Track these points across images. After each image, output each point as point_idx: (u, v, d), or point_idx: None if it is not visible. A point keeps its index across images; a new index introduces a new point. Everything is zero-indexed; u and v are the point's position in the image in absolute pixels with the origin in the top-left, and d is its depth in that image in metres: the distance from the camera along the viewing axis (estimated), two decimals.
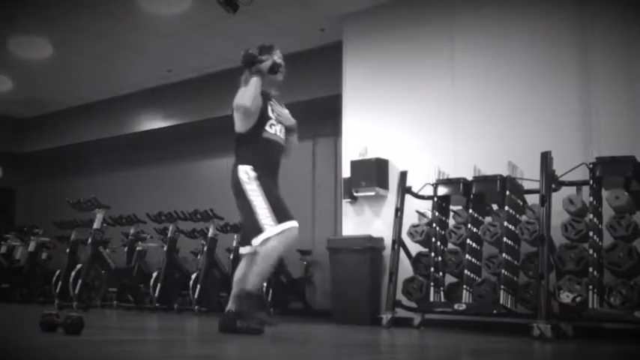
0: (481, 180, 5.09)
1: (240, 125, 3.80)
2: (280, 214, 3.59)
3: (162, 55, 8.03)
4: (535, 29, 5.52)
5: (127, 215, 7.99)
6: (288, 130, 3.94)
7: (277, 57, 3.88)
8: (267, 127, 3.80)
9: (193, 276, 6.92)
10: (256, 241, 3.58)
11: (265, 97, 3.83)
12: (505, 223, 4.76)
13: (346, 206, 6.36)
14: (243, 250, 3.89)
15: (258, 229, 3.57)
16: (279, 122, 3.88)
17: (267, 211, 3.58)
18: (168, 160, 9.97)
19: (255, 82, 3.71)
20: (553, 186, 4.61)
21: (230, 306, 3.77)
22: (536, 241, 4.50)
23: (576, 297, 4.27)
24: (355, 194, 6.19)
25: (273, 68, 3.81)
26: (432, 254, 5.12)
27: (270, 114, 3.84)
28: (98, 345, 2.95)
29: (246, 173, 3.70)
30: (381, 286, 5.70)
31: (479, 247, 4.95)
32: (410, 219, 5.42)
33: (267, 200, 3.61)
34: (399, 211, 5.38)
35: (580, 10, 5.29)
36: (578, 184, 4.66)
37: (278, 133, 3.86)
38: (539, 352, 3.52)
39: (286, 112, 3.97)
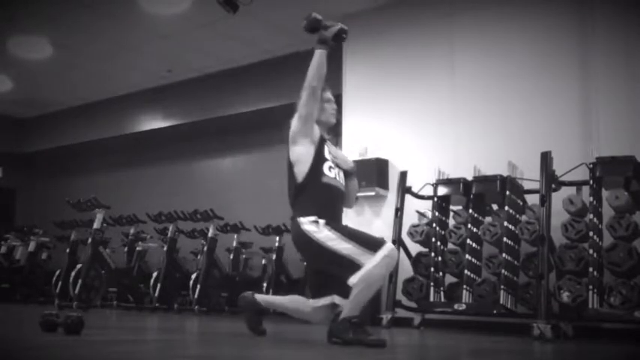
0: (481, 180, 5.09)
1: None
2: (370, 243, 3.21)
3: (162, 55, 8.03)
4: (535, 29, 5.52)
5: (127, 215, 7.99)
6: (346, 174, 3.55)
7: (330, 112, 3.54)
8: (325, 171, 3.40)
9: (193, 276, 6.92)
10: (355, 278, 3.15)
11: (320, 138, 3.47)
12: (505, 223, 4.76)
13: None
14: (317, 302, 3.46)
15: (353, 268, 3.14)
16: (337, 165, 3.49)
17: (354, 247, 3.18)
18: (168, 160, 9.98)
19: (320, 54, 3.32)
20: (553, 186, 4.61)
21: (345, 314, 3.27)
22: (536, 241, 4.50)
23: (576, 297, 4.27)
24: (356, 194, 6.18)
25: (340, 35, 3.37)
26: (432, 254, 5.12)
27: (327, 155, 3.45)
28: (98, 345, 2.95)
29: (313, 223, 3.28)
30: (381, 286, 5.70)
31: (479, 247, 4.95)
32: (410, 219, 5.42)
33: (349, 238, 3.22)
34: (399, 211, 5.38)
35: (580, 10, 5.29)
36: (578, 184, 4.66)
37: (337, 178, 3.45)
38: (539, 352, 3.52)
39: (342, 154, 3.63)
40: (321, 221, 3.28)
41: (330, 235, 3.23)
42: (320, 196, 3.37)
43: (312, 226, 3.28)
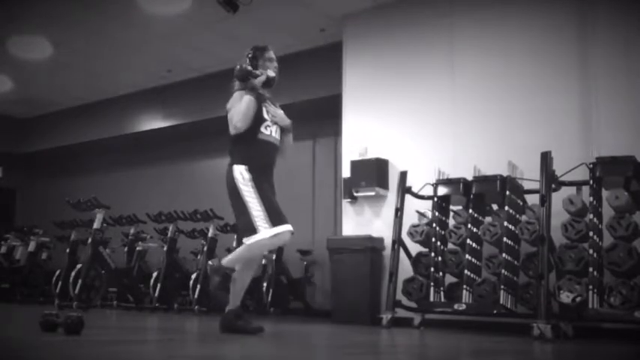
0: (481, 180, 5.09)
1: (233, 130, 3.81)
2: (275, 217, 3.62)
3: (162, 55, 8.03)
4: (535, 29, 5.52)
5: (127, 215, 7.99)
6: (283, 130, 3.95)
7: (271, 68, 3.92)
8: (262, 129, 3.82)
9: (193, 276, 6.92)
10: (248, 240, 3.62)
11: (260, 98, 3.84)
12: (505, 223, 4.76)
13: (346, 206, 6.36)
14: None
15: (251, 230, 3.60)
16: (275, 123, 3.89)
17: (261, 212, 3.61)
18: (168, 160, 9.98)
19: (248, 101, 3.74)
20: (553, 186, 4.61)
21: (230, 306, 3.79)
22: (536, 241, 4.50)
23: (576, 297, 4.27)
24: (355, 194, 6.19)
25: (269, 82, 3.85)
26: (432, 254, 5.12)
27: (265, 115, 3.85)
28: (98, 345, 2.95)
29: (241, 174, 3.71)
30: (381, 286, 5.70)
31: (479, 247, 4.95)
32: (410, 219, 5.42)
33: (262, 202, 3.64)
34: (399, 211, 5.38)
35: (580, 9, 5.29)
36: (578, 184, 4.66)
37: (273, 134, 3.88)
38: (539, 352, 3.52)
39: (281, 112, 3.97)
40: (248, 175, 3.69)
41: (251, 191, 3.66)
42: (255, 150, 3.79)
43: (240, 176, 3.71)
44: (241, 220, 3.69)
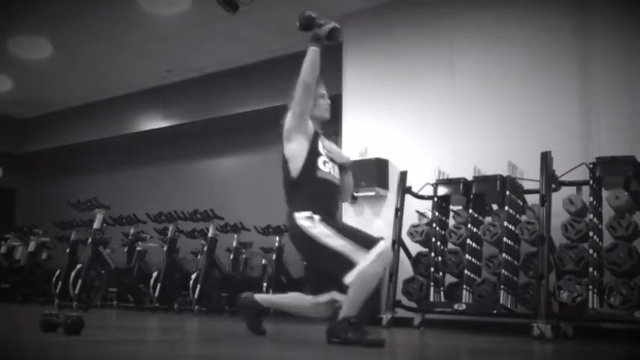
0: (481, 180, 5.09)
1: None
2: (365, 240, 3.21)
3: (162, 55, 8.03)
4: (535, 30, 5.52)
5: (127, 215, 7.99)
6: (341, 168, 3.54)
7: (324, 108, 3.57)
8: (320, 165, 3.40)
9: (193, 276, 6.92)
10: (351, 276, 3.15)
11: (314, 133, 3.48)
12: (505, 223, 4.76)
13: (346, 206, 6.36)
14: (317, 299, 3.46)
15: (349, 265, 3.14)
16: (331, 160, 3.48)
17: (349, 244, 3.17)
18: (168, 160, 9.97)
19: (313, 51, 3.38)
20: (553, 186, 4.61)
21: (343, 313, 3.26)
22: (536, 241, 4.50)
23: (576, 297, 4.27)
24: (355, 194, 6.18)
25: (333, 33, 3.42)
26: (432, 254, 5.12)
27: (321, 150, 3.45)
28: (98, 345, 2.95)
29: (309, 219, 3.28)
30: (381, 286, 5.69)
31: (479, 247, 4.95)
32: (410, 219, 5.42)
33: (344, 235, 3.22)
34: (399, 211, 5.38)
35: (580, 10, 5.29)
36: (578, 184, 4.66)
37: (332, 172, 3.45)
38: (539, 352, 3.52)
39: (337, 148, 3.60)
40: (316, 217, 3.27)
41: (324, 231, 3.23)
42: (315, 190, 3.37)
43: (308, 222, 3.28)
44: (332, 265, 3.23)
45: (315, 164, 3.39)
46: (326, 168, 3.42)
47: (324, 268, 3.36)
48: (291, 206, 3.39)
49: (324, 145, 3.50)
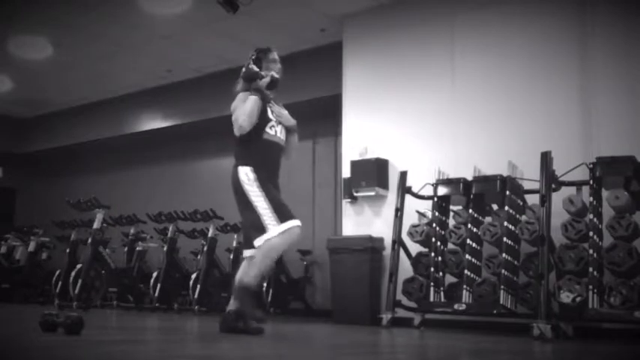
0: (481, 180, 5.09)
1: (237, 131, 3.84)
2: (282, 213, 3.62)
3: (162, 55, 8.03)
4: (535, 29, 5.52)
5: (127, 215, 7.99)
6: (288, 130, 3.97)
7: (275, 69, 3.95)
8: (267, 129, 3.84)
9: (193, 276, 6.92)
10: (259, 241, 3.61)
11: (264, 98, 3.85)
12: (505, 223, 4.76)
13: (346, 206, 6.36)
14: (246, 252, 3.86)
15: (260, 229, 3.60)
16: (279, 123, 3.91)
17: (268, 211, 3.61)
18: (168, 160, 9.97)
19: (253, 101, 3.77)
20: (553, 186, 4.61)
21: (231, 306, 3.78)
22: (536, 241, 4.50)
23: (576, 297, 4.27)
24: (355, 194, 6.19)
25: (273, 83, 3.87)
26: (432, 254, 5.12)
27: (270, 115, 3.88)
28: (98, 345, 2.95)
29: (247, 175, 3.73)
30: (381, 286, 5.71)
31: (479, 247, 4.95)
32: (410, 219, 5.42)
33: (268, 201, 3.64)
34: (399, 211, 5.38)
35: (580, 10, 5.29)
36: (578, 184, 4.66)
37: (278, 134, 3.90)
38: (539, 352, 3.52)
39: (286, 112, 3.99)
40: (253, 175, 3.71)
41: (256, 191, 3.68)
42: (260, 150, 3.81)
43: (245, 177, 3.74)
44: (248, 220, 3.70)
45: (263, 128, 3.82)
46: (272, 131, 3.87)
47: (243, 223, 3.88)
48: (236, 160, 3.85)
49: (273, 110, 3.91)
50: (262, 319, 3.79)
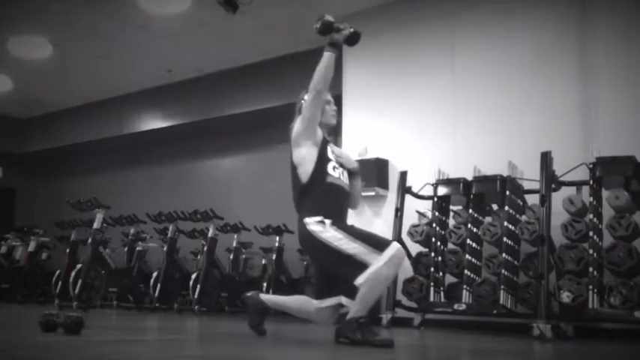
0: (481, 180, 5.09)
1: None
2: (377, 242, 3.20)
3: (162, 55, 8.03)
4: (535, 29, 5.52)
5: (127, 215, 7.99)
6: (350, 173, 3.55)
7: (329, 114, 3.54)
8: (329, 171, 3.41)
9: (193, 276, 6.92)
10: (362, 278, 3.12)
11: (323, 139, 3.49)
12: (505, 223, 4.76)
13: None
14: (323, 304, 3.44)
15: (362, 268, 3.12)
16: (341, 165, 3.49)
17: (361, 247, 3.16)
18: (168, 160, 9.98)
19: (328, 57, 3.35)
20: (553, 186, 4.61)
21: (352, 314, 3.26)
22: (536, 241, 4.50)
23: (576, 297, 4.27)
24: None
25: (353, 38, 3.39)
26: (432, 254, 5.12)
27: (330, 155, 3.46)
28: (98, 345, 2.95)
29: (319, 223, 3.27)
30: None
31: (479, 247, 4.95)
32: (410, 219, 5.42)
33: (355, 238, 3.20)
34: (399, 211, 5.38)
35: (580, 9, 5.29)
36: (578, 184, 4.66)
37: (341, 177, 3.46)
38: (539, 352, 3.52)
39: (346, 153, 3.63)
40: (327, 221, 3.26)
41: (336, 235, 3.21)
42: (325, 196, 3.37)
43: (319, 227, 3.26)
44: (344, 269, 3.20)
45: (325, 170, 3.39)
46: (335, 173, 3.43)
47: (336, 272, 3.32)
48: (301, 212, 3.39)
49: (333, 150, 3.50)
50: (263, 332, 3.62)
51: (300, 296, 3.71)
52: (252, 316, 3.65)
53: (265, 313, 3.68)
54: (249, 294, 3.71)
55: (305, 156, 3.42)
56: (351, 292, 3.22)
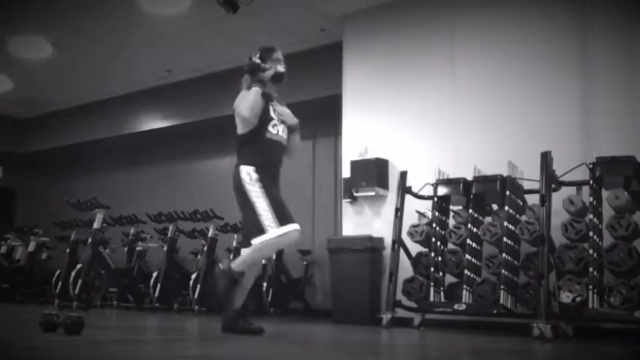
0: (481, 180, 5.09)
1: (241, 127, 3.84)
2: (282, 216, 3.61)
3: (162, 55, 8.03)
4: (535, 29, 5.52)
5: (127, 215, 7.99)
6: (290, 129, 3.95)
7: (280, 65, 3.93)
8: (269, 128, 3.82)
9: (193, 276, 6.92)
10: (256, 241, 3.59)
11: (267, 97, 3.84)
12: (505, 223, 4.76)
13: (346, 206, 6.36)
14: (243, 251, 3.86)
15: (259, 230, 3.58)
16: (282, 122, 3.90)
17: (269, 212, 3.59)
18: (168, 160, 9.97)
19: (255, 92, 3.75)
20: (553, 186, 4.61)
21: (231, 305, 3.78)
22: (536, 241, 4.50)
23: (576, 297, 4.27)
24: (355, 194, 6.18)
25: (277, 77, 3.87)
26: (432, 254, 5.12)
27: (272, 114, 3.86)
28: (98, 345, 2.95)
29: (249, 174, 3.72)
30: (381, 286, 5.70)
31: (479, 247, 4.95)
32: (410, 219, 5.42)
33: (269, 202, 3.62)
34: (399, 211, 5.38)
35: (580, 10, 5.29)
36: (578, 184, 4.66)
37: (280, 133, 3.88)
38: (539, 352, 3.52)
39: (288, 111, 3.98)
40: (255, 175, 3.69)
41: (257, 190, 3.66)
42: (262, 150, 3.80)
43: (247, 177, 3.71)
44: (249, 220, 3.68)
45: (265, 127, 3.81)
46: (274, 130, 3.84)
47: (244, 222, 3.85)
48: (238, 159, 3.83)
49: (275, 109, 3.90)
50: (260, 330, 3.77)
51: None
52: (231, 321, 3.78)
53: (243, 314, 3.80)
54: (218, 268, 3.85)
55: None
56: (248, 242, 3.68)
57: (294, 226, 3.62)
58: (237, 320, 3.75)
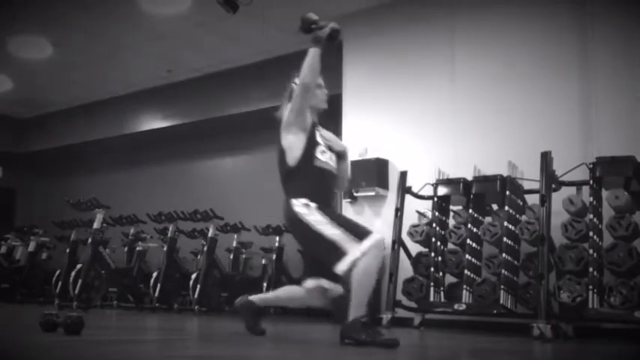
0: (481, 180, 5.09)
1: (301, 88, 3.43)
2: (358, 231, 3.24)
3: (162, 55, 8.03)
4: (535, 29, 5.52)
5: (127, 215, 7.99)
6: (339, 156, 3.59)
7: (320, 97, 3.59)
8: (317, 155, 3.45)
9: (193, 276, 6.92)
10: (343, 265, 3.16)
11: (312, 124, 3.53)
12: (505, 223, 4.76)
13: (346, 206, 6.36)
14: (324, 283, 3.42)
15: (340, 255, 3.16)
16: (329, 149, 3.53)
17: (342, 234, 3.20)
18: (168, 160, 9.98)
19: (313, 53, 3.41)
20: (553, 186, 4.61)
21: (353, 314, 3.27)
22: (536, 241, 4.50)
23: (576, 297, 4.27)
24: (355, 194, 6.18)
25: (333, 35, 3.44)
26: (432, 254, 5.12)
27: (319, 139, 3.50)
28: (98, 345, 2.95)
29: (305, 206, 3.32)
30: (381, 286, 5.70)
31: (479, 247, 4.95)
32: (410, 219, 5.42)
33: (337, 224, 3.24)
34: (399, 211, 5.38)
35: (580, 10, 5.29)
36: (578, 184, 4.66)
37: (329, 161, 3.51)
38: (539, 352, 3.52)
39: (335, 137, 3.66)
40: (313, 204, 3.32)
41: (320, 218, 3.27)
42: (312, 179, 3.42)
43: (304, 209, 3.32)
44: (320, 251, 3.28)
45: (313, 154, 3.44)
46: (323, 157, 3.47)
47: (316, 256, 3.39)
48: (288, 193, 3.43)
49: (321, 134, 3.55)
50: (262, 332, 3.63)
51: (287, 287, 3.77)
52: (247, 319, 3.67)
53: (259, 314, 3.69)
54: (237, 301, 3.73)
55: (293, 142, 3.46)
56: (332, 275, 3.28)
57: (375, 235, 3.22)
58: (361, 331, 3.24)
